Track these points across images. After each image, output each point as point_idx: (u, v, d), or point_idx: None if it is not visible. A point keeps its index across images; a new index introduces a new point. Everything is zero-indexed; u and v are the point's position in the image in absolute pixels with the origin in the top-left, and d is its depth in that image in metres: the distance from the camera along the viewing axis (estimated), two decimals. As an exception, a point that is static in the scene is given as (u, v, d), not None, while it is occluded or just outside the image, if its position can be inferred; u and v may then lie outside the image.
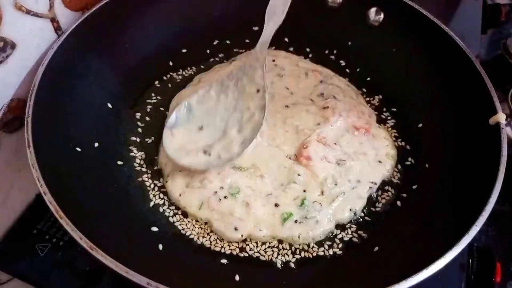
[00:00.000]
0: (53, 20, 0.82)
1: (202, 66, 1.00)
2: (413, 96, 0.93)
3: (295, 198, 0.77)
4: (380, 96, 0.97)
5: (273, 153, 0.82)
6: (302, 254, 0.74)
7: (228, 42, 1.04)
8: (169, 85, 0.96)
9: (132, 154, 0.84)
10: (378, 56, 0.99)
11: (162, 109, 0.92)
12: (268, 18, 0.81)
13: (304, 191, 0.78)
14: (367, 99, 0.96)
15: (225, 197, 0.76)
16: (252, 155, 0.80)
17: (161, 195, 0.79)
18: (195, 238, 0.75)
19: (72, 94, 0.81)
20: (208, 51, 1.02)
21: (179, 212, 0.78)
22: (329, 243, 0.75)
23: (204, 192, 0.76)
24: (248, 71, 0.82)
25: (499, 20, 1.29)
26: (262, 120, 0.77)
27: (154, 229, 0.74)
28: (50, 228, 0.81)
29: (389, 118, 0.93)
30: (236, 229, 0.74)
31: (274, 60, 0.98)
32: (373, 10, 0.99)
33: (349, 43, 1.03)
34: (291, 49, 1.03)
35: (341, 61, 1.02)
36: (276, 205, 0.76)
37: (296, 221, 0.75)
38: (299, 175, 0.79)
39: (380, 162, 0.84)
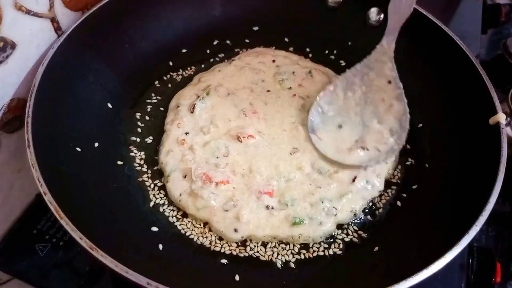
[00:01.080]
0: (53, 20, 0.82)
1: (202, 66, 1.00)
2: (413, 96, 0.93)
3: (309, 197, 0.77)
4: (380, 96, 0.97)
5: (273, 152, 0.83)
6: (302, 254, 0.74)
7: (228, 42, 1.04)
8: (169, 85, 0.96)
9: (132, 154, 0.84)
10: (378, 56, 0.99)
11: (162, 109, 0.92)
12: (393, 11, 0.82)
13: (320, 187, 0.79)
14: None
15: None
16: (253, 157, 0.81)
17: (161, 195, 0.79)
18: (195, 238, 0.75)
19: (72, 94, 0.81)
20: (208, 51, 1.02)
21: (179, 212, 0.78)
22: (329, 243, 0.75)
23: (204, 193, 0.76)
24: (375, 66, 0.85)
25: (499, 20, 1.29)
26: (405, 107, 0.81)
27: (154, 229, 0.74)
28: (50, 228, 0.81)
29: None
30: (236, 230, 0.74)
31: (274, 61, 0.98)
32: (373, 10, 0.99)
33: (349, 43, 1.03)
34: (291, 49, 1.03)
35: (341, 61, 1.02)
36: (281, 208, 0.76)
37: (301, 223, 0.75)
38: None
39: (386, 163, 0.84)
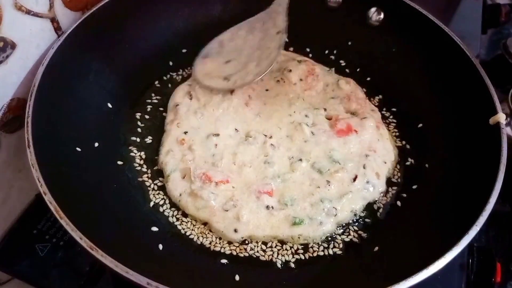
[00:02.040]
0: (53, 20, 0.82)
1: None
2: (413, 96, 0.93)
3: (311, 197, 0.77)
4: (380, 96, 0.97)
5: (273, 150, 0.83)
6: (302, 254, 0.74)
7: (228, 42, 1.04)
8: (169, 85, 0.96)
9: (132, 154, 0.84)
10: (378, 56, 0.99)
11: (162, 109, 0.92)
12: None
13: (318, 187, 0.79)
14: (367, 99, 0.96)
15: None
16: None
17: (161, 195, 0.79)
18: (195, 238, 0.75)
19: (72, 94, 0.81)
20: (208, 51, 1.02)
21: (179, 212, 0.78)
22: (329, 243, 0.75)
23: (204, 193, 0.76)
24: (273, 15, 0.92)
25: (499, 20, 1.29)
26: (277, 56, 0.88)
27: (154, 229, 0.74)
28: (50, 228, 0.81)
29: (390, 118, 0.93)
30: (236, 230, 0.74)
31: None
32: (373, 10, 0.99)
33: (349, 43, 1.03)
34: (291, 49, 1.03)
35: (341, 61, 1.02)
36: (281, 207, 0.76)
37: (301, 223, 0.75)
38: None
39: (385, 162, 0.84)
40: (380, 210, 0.80)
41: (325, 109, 0.91)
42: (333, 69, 0.99)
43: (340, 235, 0.76)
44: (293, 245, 0.75)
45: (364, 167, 0.81)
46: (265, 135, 0.85)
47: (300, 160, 0.81)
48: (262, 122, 0.87)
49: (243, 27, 0.94)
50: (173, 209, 0.78)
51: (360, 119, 0.88)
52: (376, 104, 0.96)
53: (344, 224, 0.78)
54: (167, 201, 0.79)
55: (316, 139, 0.85)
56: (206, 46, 0.93)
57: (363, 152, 0.84)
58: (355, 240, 0.76)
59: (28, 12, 0.75)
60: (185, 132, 0.84)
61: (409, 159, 0.86)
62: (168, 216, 0.77)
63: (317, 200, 0.77)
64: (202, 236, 0.75)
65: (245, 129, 0.86)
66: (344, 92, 0.94)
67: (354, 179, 0.80)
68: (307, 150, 0.83)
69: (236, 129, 0.85)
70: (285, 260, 0.73)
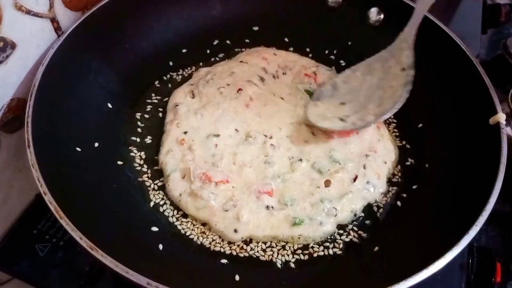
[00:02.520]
0: (53, 20, 0.82)
1: (202, 66, 1.00)
2: (413, 96, 0.93)
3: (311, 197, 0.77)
4: (380, 96, 0.97)
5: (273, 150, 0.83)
6: (302, 254, 0.74)
7: (228, 42, 1.04)
8: (169, 85, 0.96)
9: (132, 154, 0.84)
10: (378, 56, 0.99)
11: (161, 109, 0.92)
12: None
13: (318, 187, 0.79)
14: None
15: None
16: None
17: (161, 195, 0.79)
18: (195, 238, 0.75)
19: (72, 94, 0.81)
20: (208, 51, 1.02)
21: (179, 212, 0.78)
22: (329, 243, 0.75)
23: (204, 193, 0.76)
24: (396, 53, 0.86)
25: (499, 20, 1.29)
26: (405, 94, 0.82)
27: (154, 229, 0.74)
28: (50, 228, 0.81)
29: (390, 118, 0.93)
30: (236, 231, 0.74)
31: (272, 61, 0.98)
32: (373, 10, 0.99)
33: (349, 43, 1.03)
34: (291, 49, 1.03)
35: (341, 61, 1.02)
36: (281, 207, 0.76)
37: (301, 223, 0.75)
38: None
39: (385, 163, 0.84)
40: (380, 210, 0.80)
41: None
42: (333, 67, 0.99)
43: (340, 235, 0.76)
44: (293, 245, 0.75)
45: (364, 167, 0.81)
46: (265, 135, 0.85)
47: (300, 160, 0.81)
48: (262, 122, 0.87)
49: (359, 68, 0.89)
50: (173, 209, 0.78)
51: None
52: (376, 104, 0.96)
53: (344, 224, 0.78)
54: (167, 201, 0.79)
55: (316, 139, 0.84)
56: (319, 89, 0.90)
57: (363, 152, 0.84)
58: (355, 240, 0.76)
59: (28, 12, 0.75)
60: (185, 132, 0.84)
61: (409, 159, 0.86)
62: (168, 216, 0.77)
63: (317, 200, 0.77)
64: (202, 236, 0.75)
65: (245, 129, 0.86)
66: None
67: (354, 179, 0.80)
68: (307, 150, 0.83)
69: (236, 129, 0.85)
70: (285, 260, 0.73)
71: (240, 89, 0.90)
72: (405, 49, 0.85)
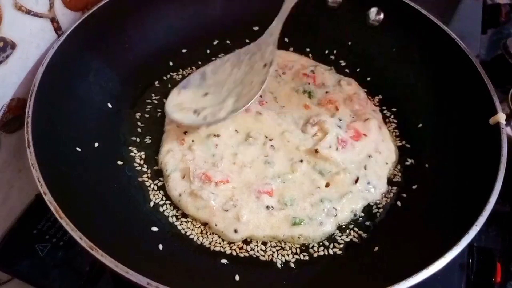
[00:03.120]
0: (53, 20, 0.82)
1: (202, 66, 0.99)
2: (413, 96, 0.93)
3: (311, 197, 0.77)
4: (380, 96, 0.97)
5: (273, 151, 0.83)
6: (302, 254, 0.74)
7: (228, 42, 1.04)
8: (169, 85, 0.96)
9: (132, 154, 0.84)
10: (378, 56, 0.99)
11: (162, 109, 0.91)
12: None
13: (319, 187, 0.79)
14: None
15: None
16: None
17: (161, 195, 0.79)
18: (195, 238, 0.75)
19: (72, 94, 0.81)
20: (208, 51, 1.02)
21: (179, 212, 0.78)
22: (329, 243, 0.75)
23: (204, 193, 0.76)
24: (262, 47, 0.84)
25: (499, 20, 1.29)
26: (258, 93, 0.80)
27: (154, 229, 0.74)
28: (50, 228, 0.81)
29: (390, 118, 0.93)
30: (235, 231, 0.74)
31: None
32: (373, 10, 0.99)
33: (349, 43, 1.03)
34: (291, 49, 1.03)
35: (341, 61, 1.02)
36: (281, 207, 0.76)
37: (301, 223, 0.75)
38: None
39: (386, 163, 0.84)
40: (380, 210, 0.80)
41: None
42: (332, 67, 0.99)
43: (340, 235, 0.76)
44: (293, 245, 0.75)
45: (365, 168, 0.81)
46: (266, 136, 0.85)
47: (301, 161, 0.81)
48: (263, 124, 0.87)
49: (229, 59, 0.87)
50: (173, 209, 0.78)
51: (362, 120, 0.88)
52: (376, 104, 0.96)
53: (344, 224, 0.78)
54: (167, 201, 0.79)
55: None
56: (188, 77, 0.87)
57: (367, 153, 0.84)
58: (355, 240, 0.76)
59: (28, 12, 0.75)
60: (185, 132, 0.84)
61: (409, 159, 0.86)
62: (168, 216, 0.77)
63: (317, 200, 0.77)
64: (202, 236, 0.75)
65: (245, 130, 0.86)
66: (346, 92, 0.94)
67: (356, 181, 0.80)
68: (308, 152, 0.83)
69: (236, 130, 0.85)
70: (285, 260, 0.73)
71: None
72: (270, 44, 0.83)
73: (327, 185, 0.79)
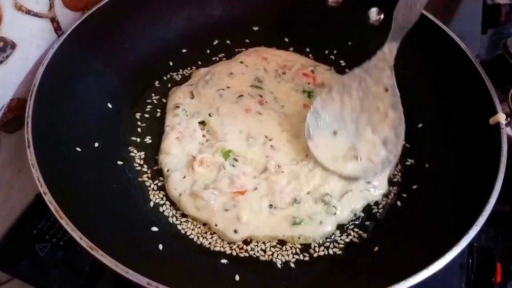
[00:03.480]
0: (53, 20, 0.82)
1: (202, 66, 0.99)
2: (413, 96, 0.93)
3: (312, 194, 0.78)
4: (380, 96, 0.97)
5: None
6: (302, 254, 0.74)
7: (228, 42, 1.04)
8: (169, 85, 0.96)
9: (132, 154, 0.84)
10: (378, 56, 0.99)
11: (162, 109, 0.92)
12: (399, 16, 0.78)
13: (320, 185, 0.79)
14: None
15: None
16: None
17: (161, 195, 0.79)
18: (195, 238, 0.75)
19: (72, 94, 0.81)
20: (208, 51, 1.02)
21: (179, 212, 0.78)
22: (329, 243, 0.75)
23: (204, 193, 0.76)
24: (373, 72, 0.82)
25: (499, 20, 1.29)
26: (401, 116, 0.78)
27: (154, 229, 0.74)
28: (50, 228, 0.81)
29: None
30: (235, 231, 0.74)
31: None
32: (373, 10, 0.99)
33: (349, 43, 1.03)
34: (291, 49, 1.03)
35: (341, 61, 1.02)
36: (281, 207, 0.76)
37: (301, 223, 0.75)
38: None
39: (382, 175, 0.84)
40: (380, 210, 0.80)
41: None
42: (332, 67, 0.99)
43: (340, 235, 0.76)
44: (293, 245, 0.75)
45: (362, 180, 0.81)
46: (266, 137, 0.85)
47: (302, 160, 0.81)
48: (263, 124, 0.86)
49: (333, 89, 0.83)
50: (173, 209, 0.78)
51: None
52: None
53: (344, 224, 0.78)
54: (167, 201, 0.79)
55: None
56: (305, 125, 0.82)
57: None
58: (355, 240, 0.76)
59: (28, 12, 0.75)
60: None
61: (409, 159, 0.86)
62: (168, 216, 0.77)
63: (317, 200, 0.77)
64: (202, 236, 0.75)
65: (245, 130, 0.86)
66: None
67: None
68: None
69: (240, 131, 0.85)
70: (285, 260, 0.73)
71: (241, 95, 0.90)
72: (385, 69, 0.81)
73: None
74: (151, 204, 0.78)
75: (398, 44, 0.80)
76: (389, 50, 0.81)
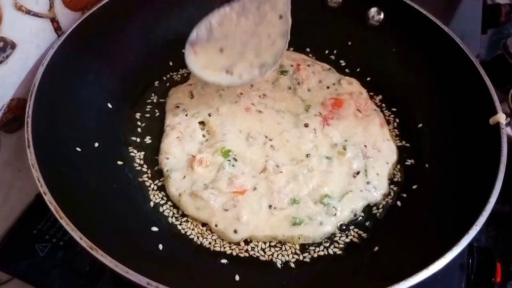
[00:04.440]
0: (53, 20, 0.82)
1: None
2: (413, 96, 0.93)
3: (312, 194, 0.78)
4: (380, 96, 0.97)
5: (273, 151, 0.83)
6: (302, 254, 0.74)
7: (228, 42, 1.04)
8: (169, 85, 0.96)
9: (132, 154, 0.84)
10: (378, 56, 0.99)
11: (162, 109, 0.91)
12: None
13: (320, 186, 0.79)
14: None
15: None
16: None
17: (161, 195, 0.79)
18: (195, 238, 0.75)
19: (72, 94, 0.81)
20: (208, 51, 1.02)
21: (179, 212, 0.78)
22: (329, 243, 0.75)
23: (204, 193, 0.76)
24: None
25: (499, 20, 1.29)
26: (285, 45, 0.79)
27: (154, 229, 0.74)
28: (50, 228, 0.81)
29: (390, 117, 0.93)
30: (235, 231, 0.74)
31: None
32: (373, 10, 0.99)
33: (349, 43, 1.03)
34: (291, 49, 1.03)
35: (341, 61, 1.02)
36: (281, 207, 0.76)
37: (301, 223, 0.75)
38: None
39: (387, 163, 0.84)
40: (380, 210, 0.80)
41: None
42: (332, 67, 1.00)
43: (340, 235, 0.76)
44: (293, 245, 0.75)
45: (366, 168, 0.82)
46: (266, 137, 0.85)
47: (302, 160, 0.81)
48: (263, 124, 0.87)
49: (233, 8, 0.82)
50: (173, 209, 0.78)
51: (365, 116, 0.89)
52: (377, 104, 0.96)
53: (344, 224, 0.78)
54: (167, 201, 0.79)
55: (316, 139, 0.85)
56: (193, 30, 0.83)
57: (367, 151, 0.84)
58: (355, 240, 0.76)
59: (28, 12, 0.75)
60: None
61: (409, 159, 0.86)
62: (168, 216, 0.77)
63: (317, 200, 0.77)
64: (202, 236, 0.75)
65: (245, 130, 0.86)
66: (347, 92, 0.94)
67: (357, 174, 0.80)
68: (308, 150, 0.83)
69: (240, 131, 0.85)
70: (285, 260, 0.73)
71: (241, 93, 0.90)
72: None
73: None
74: (151, 204, 0.78)
75: None
76: None
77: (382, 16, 0.99)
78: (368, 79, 0.99)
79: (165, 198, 0.79)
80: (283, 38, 0.79)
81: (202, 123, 0.87)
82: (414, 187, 0.82)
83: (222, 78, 0.82)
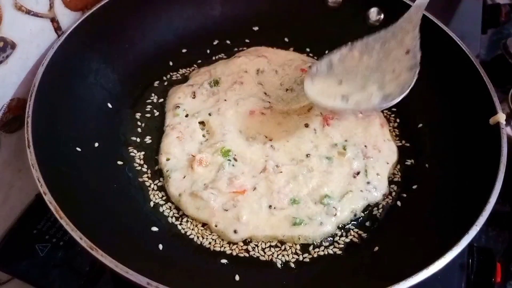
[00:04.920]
0: (53, 20, 0.82)
1: (202, 66, 1.00)
2: (413, 96, 0.93)
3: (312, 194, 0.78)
4: (380, 96, 0.97)
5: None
6: (302, 254, 0.74)
7: (228, 42, 1.04)
8: (169, 85, 0.96)
9: (132, 154, 0.84)
10: (378, 56, 0.99)
11: (162, 109, 0.91)
12: None
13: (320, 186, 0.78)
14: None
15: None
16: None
17: (161, 195, 0.79)
18: (195, 238, 0.75)
19: (72, 94, 0.81)
20: (208, 51, 1.02)
21: (179, 212, 0.78)
22: (329, 243, 0.75)
23: (204, 193, 0.76)
24: (398, 34, 0.80)
25: (499, 20, 1.29)
26: (413, 78, 0.76)
27: (154, 229, 0.74)
28: (50, 228, 0.81)
29: (390, 117, 0.93)
30: (235, 231, 0.74)
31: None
32: (373, 10, 0.99)
33: (349, 43, 1.03)
34: (291, 49, 1.03)
35: (341, 61, 1.02)
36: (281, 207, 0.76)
37: (301, 223, 0.75)
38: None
39: (387, 163, 0.84)
40: (380, 210, 0.80)
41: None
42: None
43: (340, 235, 0.76)
44: (293, 245, 0.75)
45: (366, 166, 0.81)
46: (266, 137, 0.85)
47: (302, 160, 0.81)
48: (263, 124, 0.86)
49: (356, 47, 0.83)
50: (173, 209, 0.78)
51: (365, 116, 0.88)
52: (377, 104, 0.96)
53: (344, 224, 0.77)
54: (167, 201, 0.79)
55: (317, 140, 0.85)
56: (313, 66, 0.83)
57: (367, 152, 0.84)
58: (355, 240, 0.76)
59: (28, 12, 0.75)
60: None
61: (409, 159, 0.86)
62: (168, 216, 0.77)
63: (317, 201, 0.77)
64: (202, 236, 0.75)
65: (245, 130, 0.86)
66: None
67: (357, 174, 0.80)
68: (308, 150, 0.83)
69: (240, 131, 0.85)
70: (285, 260, 0.73)
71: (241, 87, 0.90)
72: (410, 31, 0.79)
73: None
74: (151, 204, 0.78)
75: (424, 7, 0.79)
76: (415, 10, 0.80)
77: (382, 16, 0.99)
78: (368, 79, 0.99)
79: (165, 198, 0.79)
80: (411, 71, 0.77)
81: (202, 123, 0.87)
82: (414, 187, 0.82)
83: (336, 103, 0.79)
